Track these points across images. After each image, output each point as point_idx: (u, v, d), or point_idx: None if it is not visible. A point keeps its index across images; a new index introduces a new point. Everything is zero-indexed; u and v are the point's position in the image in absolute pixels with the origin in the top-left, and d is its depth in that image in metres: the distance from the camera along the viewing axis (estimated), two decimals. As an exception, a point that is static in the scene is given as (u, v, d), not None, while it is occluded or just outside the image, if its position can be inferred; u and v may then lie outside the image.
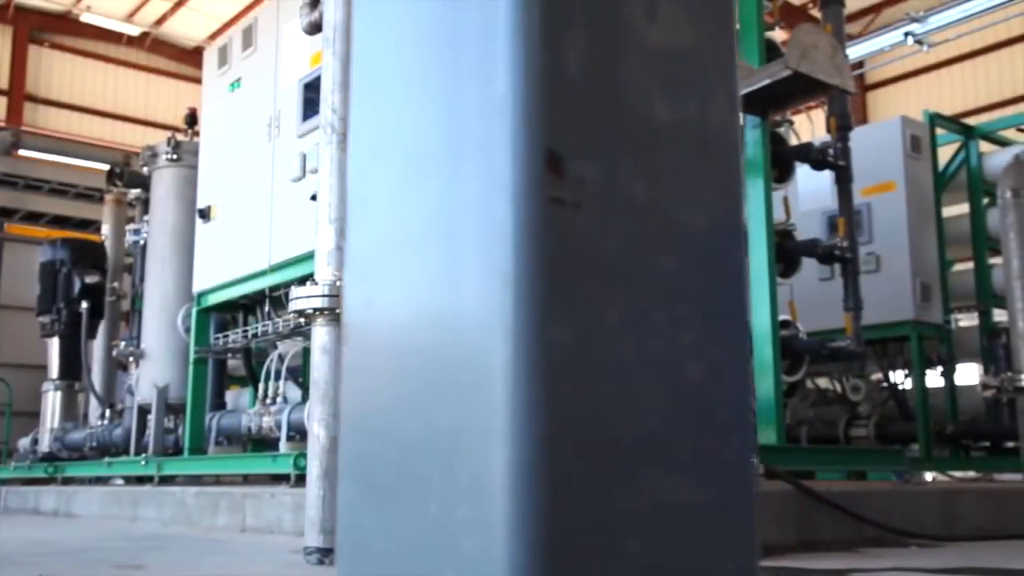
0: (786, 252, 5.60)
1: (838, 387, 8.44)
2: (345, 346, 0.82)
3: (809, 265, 6.02)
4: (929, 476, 8.72)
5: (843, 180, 5.60)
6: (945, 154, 8.54)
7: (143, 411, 7.58)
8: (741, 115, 5.09)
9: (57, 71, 23.04)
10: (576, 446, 0.66)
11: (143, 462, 7.13)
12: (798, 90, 4.64)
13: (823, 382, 8.79)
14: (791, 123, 5.73)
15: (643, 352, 0.71)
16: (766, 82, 4.52)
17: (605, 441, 0.68)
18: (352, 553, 0.74)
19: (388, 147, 0.78)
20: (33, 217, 12.64)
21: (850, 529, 4.33)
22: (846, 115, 5.64)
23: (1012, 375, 6.52)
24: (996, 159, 8.08)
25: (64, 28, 22.92)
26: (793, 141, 5.88)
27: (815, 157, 5.55)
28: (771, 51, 5.12)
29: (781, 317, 5.48)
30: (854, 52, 15.29)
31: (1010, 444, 7.09)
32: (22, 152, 13.42)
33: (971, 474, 8.43)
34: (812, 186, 7.37)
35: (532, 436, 0.64)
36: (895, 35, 13.68)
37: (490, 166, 0.68)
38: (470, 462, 0.66)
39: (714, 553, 0.72)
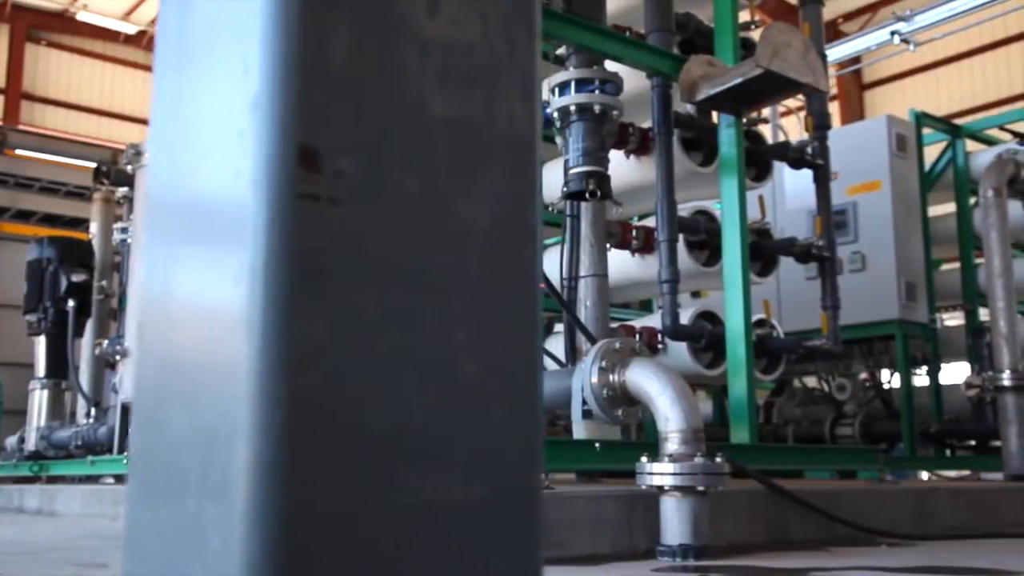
0: (763, 251, 5.60)
1: (825, 386, 8.45)
2: (137, 341, 0.82)
3: (796, 264, 6.03)
4: (924, 475, 8.75)
5: (821, 179, 5.59)
6: (933, 153, 8.55)
7: (126, 410, 7.58)
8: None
9: (54, 69, 23.08)
10: (323, 443, 0.66)
11: (125, 461, 7.13)
12: (770, 89, 4.63)
13: (811, 381, 8.82)
14: (765, 121, 5.72)
15: (408, 349, 0.71)
16: (738, 80, 4.51)
17: (360, 439, 0.67)
18: (132, 552, 0.74)
19: (171, 143, 0.78)
20: (24, 215, 12.66)
21: (822, 528, 4.33)
22: (824, 114, 5.64)
23: (994, 374, 6.51)
24: (982, 158, 8.09)
25: (61, 26, 22.96)
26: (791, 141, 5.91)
27: (793, 156, 5.55)
28: (749, 50, 5.11)
29: (757, 316, 5.48)
30: (842, 51, 15.28)
31: (995, 443, 7.08)
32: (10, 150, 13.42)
33: (966, 473, 8.45)
34: (798, 185, 7.37)
35: (271, 433, 0.64)
36: (882, 34, 13.68)
37: (244, 161, 0.68)
38: (219, 459, 0.66)
39: (485, 553, 0.71)
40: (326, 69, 0.68)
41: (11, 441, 9.34)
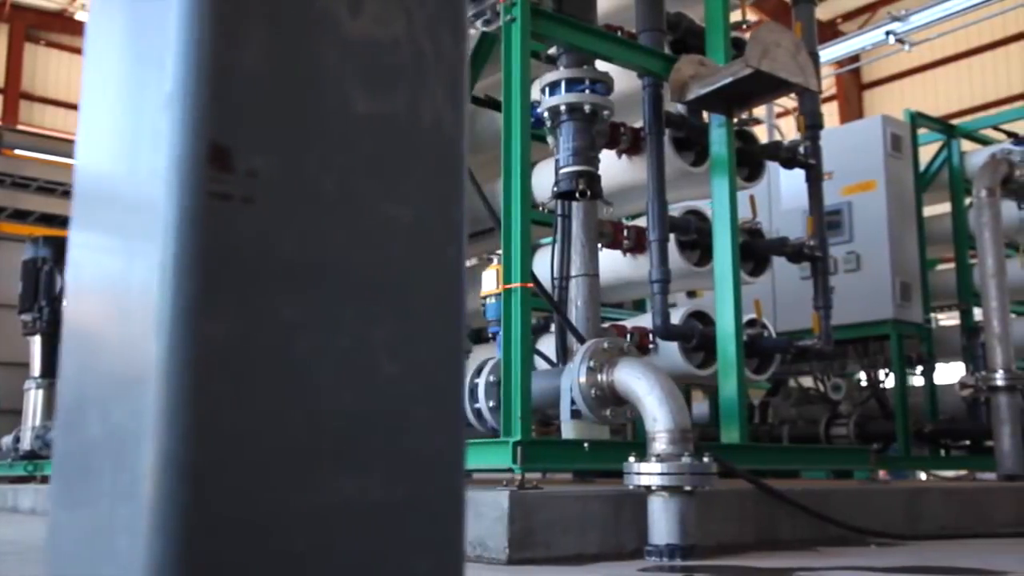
0: (755, 251, 5.59)
1: (821, 386, 8.45)
2: (62, 340, 0.82)
3: (792, 264, 6.03)
4: (923, 476, 8.74)
5: (813, 179, 5.59)
6: (928, 153, 8.55)
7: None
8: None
9: (53, 69, 23.08)
10: (233, 444, 0.65)
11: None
12: (761, 88, 4.63)
13: (807, 381, 8.82)
14: (758, 122, 5.72)
15: (325, 349, 0.71)
16: (728, 80, 4.51)
17: (273, 439, 0.67)
18: (53, 555, 0.74)
19: (96, 138, 0.78)
20: (21, 215, 12.66)
21: (812, 528, 4.33)
22: (816, 114, 5.64)
23: (987, 374, 6.51)
24: (977, 158, 8.09)
25: (60, 26, 22.95)
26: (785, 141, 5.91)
27: (785, 156, 5.55)
28: (741, 50, 5.11)
29: (748, 316, 5.48)
30: (838, 51, 15.26)
31: (989, 443, 7.08)
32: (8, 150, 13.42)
33: (963, 473, 8.45)
34: (794, 186, 7.37)
35: (177, 433, 0.63)
36: (877, 34, 13.66)
37: (158, 159, 0.68)
38: (129, 460, 0.65)
39: (405, 553, 0.71)
40: (240, 69, 0.68)
41: (6, 441, 9.34)
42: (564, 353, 4.70)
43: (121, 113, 0.74)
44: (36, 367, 9.20)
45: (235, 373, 0.66)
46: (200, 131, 0.66)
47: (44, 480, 8.53)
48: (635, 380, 3.81)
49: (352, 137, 0.73)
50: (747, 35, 5.31)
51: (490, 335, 5.16)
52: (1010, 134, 8.42)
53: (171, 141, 0.67)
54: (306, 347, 0.69)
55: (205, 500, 0.63)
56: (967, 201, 8.17)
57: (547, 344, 5.12)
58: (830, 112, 21.85)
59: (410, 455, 0.72)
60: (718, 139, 4.98)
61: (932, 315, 8.21)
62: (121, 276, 0.71)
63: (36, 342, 9.18)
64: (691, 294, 8.18)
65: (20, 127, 19.30)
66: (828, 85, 21.62)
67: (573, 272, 4.79)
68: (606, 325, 5.50)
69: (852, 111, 22.07)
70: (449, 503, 0.72)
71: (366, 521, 0.69)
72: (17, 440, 9.14)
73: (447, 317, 0.75)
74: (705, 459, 3.61)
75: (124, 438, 0.66)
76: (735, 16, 5.48)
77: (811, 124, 5.59)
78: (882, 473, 9.12)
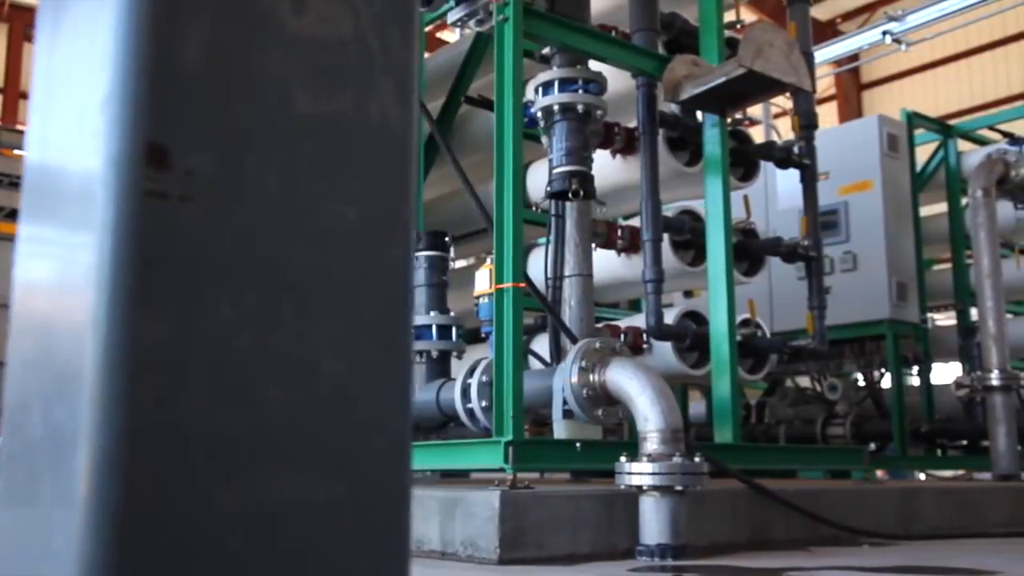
0: (749, 251, 5.59)
1: (817, 386, 8.46)
2: (9, 340, 0.82)
3: (788, 265, 6.04)
4: (922, 476, 8.74)
5: (808, 179, 5.59)
6: (925, 153, 8.56)
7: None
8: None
9: (53, 69, 23.11)
10: (169, 444, 0.66)
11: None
12: (754, 88, 4.63)
13: (804, 381, 8.82)
14: (755, 123, 5.72)
15: (265, 348, 0.71)
16: (721, 80, 4.51)
17: (210, 439, 0.67)
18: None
19: (42, 137, 0.79)
20: (17, 215, 12.67)
21: (805, 528, 4.33)
22: (810, 114, 5.64)
23: (982, 374, 6.51)
24: (974, 158, 8.09)
25: (59, 26, 22.98)
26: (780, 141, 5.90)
27: (779, 156, 5.55)
28: (735, 50, 5.10)
29: (743, 316, 5.48)
30: (835, 51, 15.25)
31: (985, 443, 7.08)
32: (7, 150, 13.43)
33: (961, 472, 8.45)
34: (791, 186, 7.37)
35: (112, 433, 0.64)
36: (873, 34, 13.66)
37: (96, 158, 0.68)
38: (67, 460, 0.66)
39: (347, 553, 0.71)
40: (179, 68, 0.68)
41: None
42: (558, 353, 4.70)
43: (66, 111, 0.75)
44: (33, 367, 9.20)
45: (171, 373, 0.66)
46: (137, 130, 0.67)
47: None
48: (627, 380, 3.82)
49: (296, 136, 0.73)
50: (741, 35, 5.31)
51: (483, 335, 5.16)
52: (1006, 134, 8.42)
53: (108, 140, 0.67)
54: (245, 346, 0.69)
55: (139, 500, 0.63)
56: (964, 201, 8.17)
57: (543, 344, 5.12)
58: (830, 112, 21.84)
59: (353, 454, 0.72)
60: (712, 139, 4.98)
61: (929, 315, 8.21)
62: (62, 274, 0.71)
63: (33, 342, 9.18)
64: (688, 294, 8.19)
65: (19, 127, 19.30)
66: (827, 85, 21.63)
67: (567, 272, 4.79)
68: (600, 325, 5.50)
69: (851, 111, 22.05)
70: (393, 502, 0.72)
71: (306, 520, 0.69)
72: (14, 440, 9.15)
73: (393, 316, 0.75)
74: (696, 459, 3.61)
75: (63, 438, 0.67)
76: (729, 16, 5.49)
77: (805, 124, 5.59)
78: (881, 473, 9.13)
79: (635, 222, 5.54)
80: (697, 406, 8.95)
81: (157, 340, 0.65)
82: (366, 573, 0.70)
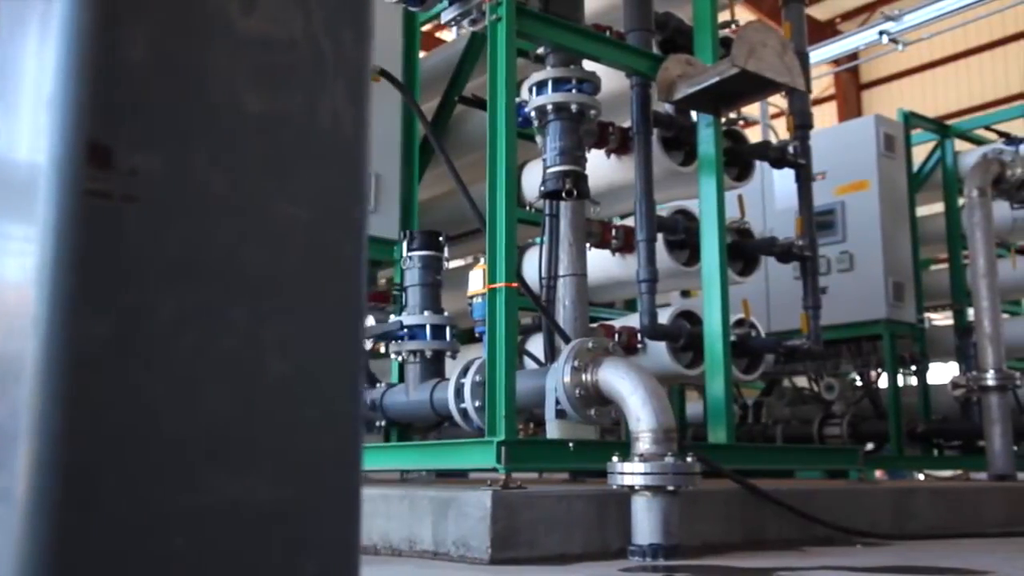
0: (744, 251, 5.59)
1: (814, 386, 8.47)
2: None
3: (785, 265, 6.04)
4: (922, 476, 8.74)
5: (803, 178, 5.59)
6: (922, 153, 8.56)
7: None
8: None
9: (52, 70, 23.14)
10: (109, 444, 0.65)
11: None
12: (747, 88, 4.63)
13: (802, 381, 8.83)
14: (752, 123, 5.72)
15: (210, 349, 0.71)
16: (714, 80, 4.51)
17: (152, 439, 0.67)
18: None
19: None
20: None
21: (798, 528, 4.32)
22: (805, 113, 5.63)
23: (978, 374, 6.51)
24: (971, 158, 8.09)
25: (59, 27, 23.01)
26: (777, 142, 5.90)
27: (774, 155, 5.55)
28: (730, 50, 5.11)
29: (737, 316, 5.48)
30: (832, 51, 15.25)
31: (982, 443, 7.08)
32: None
33: (958, 472, 8.45)
34: (788, 186, 7.37)
35: (51, 432, 0.63)
36: (870, 34, 13.65)
37: (40, 158, 0.68)
38: (8, 460, 0.65)
39: (293, 554, 0.71)
40: (123, 67, 0.68)
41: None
42: (552, 353, 4.70)
43: (18, 109, 0.75)
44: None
45: (113, 373, 0.66)
46: (79, 130, 0.67)
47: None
48: (619, 380, 3.81)
49: (244, 136, 0.73)
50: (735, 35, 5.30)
51: (477, 335, 5.16)
52: (1003, 134, 8.42)
53: (51, 140, 0.67)
54: (189, 346, 0.69)
55: (78, 501, 0.63)
56: (960, 201, 8.18)
57: (538, 344, 5.12)
58: (829, 112, 21.84)
59: (300, 455, 0.72)
60: (706, 139, 4.98)
61: (926, 315, 8.22)
62: (4, 271, 0.71)
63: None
64: (685, 294, 8.19)
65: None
66: (827, 85, 21.63)
67: (561, 272, 4.79)
68: (595, 325, 5.50)
69: (851, 111, 22.04)
70: (341, 503, 0.72)
71: (252, 521, 0.69)
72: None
73: (343, 317, 0.75)
74: (689, 459, 3.61)
75: (3, 436, 0.66)
76: (723, 16, 5.48)
77: (800, 124, 5.59)
78: (880, 473, 9.13)
79: (629, 222, 5.54)
80: (694, 406, 8.95)
81: (98, 340, 0.65)
82: (314, 574, 0.70)
